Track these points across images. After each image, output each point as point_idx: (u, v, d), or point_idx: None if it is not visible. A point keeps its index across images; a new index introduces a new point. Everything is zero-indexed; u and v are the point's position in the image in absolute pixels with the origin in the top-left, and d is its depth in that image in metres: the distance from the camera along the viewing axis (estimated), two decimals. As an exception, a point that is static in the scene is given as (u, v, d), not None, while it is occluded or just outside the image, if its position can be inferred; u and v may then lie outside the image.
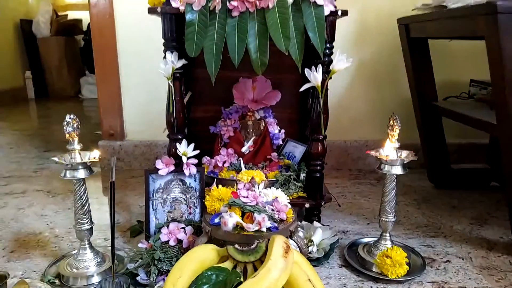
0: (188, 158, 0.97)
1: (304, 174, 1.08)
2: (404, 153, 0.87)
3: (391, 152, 0.85)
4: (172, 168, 0.97)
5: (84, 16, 3.74)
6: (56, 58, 3.57)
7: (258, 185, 0.87)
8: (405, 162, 0.85)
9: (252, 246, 0.70)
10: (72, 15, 3.83)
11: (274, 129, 1.20)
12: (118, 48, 1.55)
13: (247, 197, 0.82)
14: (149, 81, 1.55)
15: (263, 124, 1.18)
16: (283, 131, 1.21)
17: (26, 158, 1.77)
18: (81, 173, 0.79)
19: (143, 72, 1.56)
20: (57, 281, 0.83)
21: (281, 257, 0.65)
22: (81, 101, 3.57)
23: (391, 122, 0.85)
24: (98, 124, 1.62)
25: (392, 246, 0.88)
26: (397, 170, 0.85)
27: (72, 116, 0.79)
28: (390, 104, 1.62)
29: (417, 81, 1.33)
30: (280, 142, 1.21)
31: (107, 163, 1.62)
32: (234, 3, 0.86)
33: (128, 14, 1.52)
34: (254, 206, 0.80)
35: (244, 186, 0.87)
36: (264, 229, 0.77)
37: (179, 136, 1.01)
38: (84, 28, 3.78)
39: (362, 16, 1.53)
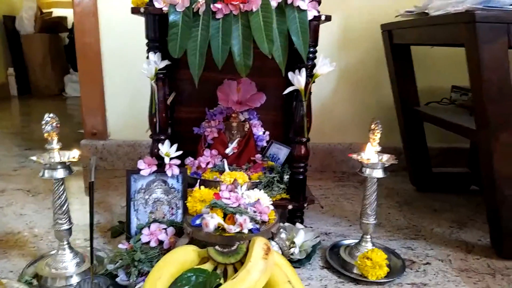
0: (171, 159, 0.97)
1: (288, 176, 1.09)
2: (385, 157, 0.88)
3: (372, 156, 0.86)
4: (154, 168, 0.96)
5: (69, 13, 3.69)
6: (40, 56, 3.51)
7: (241, 187, 0.87)
8: (386, 165, 0.86)
9: (233, 248, 0.70)
10: (57, 12, 3.77)
11: (258, 131, 1.20)
12: (101, 47, 1.53)
13: (229, 198, 0.82)
14: (133, 80, 1.54)
15: (248, 126, 1.18)
16: (267, 133, 1.22)
17: (7, 156, 1.73)
18: (60, 173, 0.78)
19: (127, 71, 1.54)
20: (34, 282, 0.82)
21: (261, 259, 0.66)
22: (65, 99, 3.52)
23: (373, 126, 0.86)
24: (81, 122, 1.60)
25: (372, 248, 0.90)
26: (378, 173, 0.86)
27: (51, 115, 0.78)
28: (373, 108, 1.64)
29: (399, 86, 1.36)
30: (265, 144, 1.21)
31: (89, 163, 1.59)
32: (218, 6, 0.86)
33: (112, 14, 1.50)
34: (236, 207, 0.80)
35: (226, 187, 0.87)
36: (245, 231, 0.77)
37: (162, 137, 1.00)
38: (69, 25, 3.73)
39: (346, 21, 1.54)
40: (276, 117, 1.24)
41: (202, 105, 1.20)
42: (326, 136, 1.64)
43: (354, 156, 0.89)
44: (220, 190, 0.86)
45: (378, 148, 0.87)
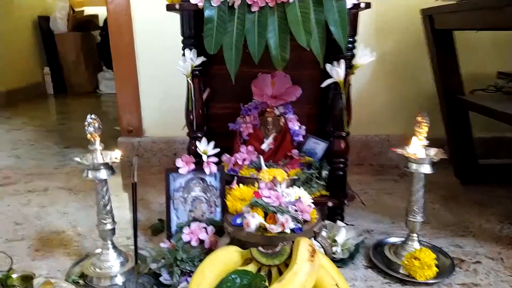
0: (208, 156, 0.95)
1: (326, 172, 1.06)
2: (433, 151, 0.83)
3: (419, 150, 0.81)
4: (192, 167, 0.96)
5: (100, 11, 3.76)
6: (74, 54, 3.60)
7: (280, 185, 0.85)
8: (434, 160, 0.81)
9: (277, 249, 0.68)
10: (88, 10, 3.85)
11: (294, 125, 1.17)
12: (135, 45, 1.54)
13: (269, 197, 0.80)
14: (167, 77, 1.54)
15: (283, 121, 1.15)
16: (303, 127, 1.18)
17: (47, 154, 1.79)
18: (103, 174, 0.79)
19: (161, 68, 1.55)
20: (81, 281, 0.84)
21: (307, 261, 0.64)
22: (99, 96, 3.60)
23: (419, 119, 0.82)
24: (116, 119, 1.62)
25: (420, 248, 0.86)
26: (426, 169, 0.81)
27: (93, 116, 0.78)
28: (412, 97, 1.57)
29: (442, 74, 1.29)
30: (301, 139, 1.18)
31: (126, 159, 1.62)
32: (254, -2, 0.83)
33: (145, 10, 1.51)
34: (277, 206, 0.78)
35: (266, 185, 0.85)
36: (287, 231, 0.75)
37: (199, 134, 0.99)
38: (101, 23, 3.79)
39: (383, 7, 1.47)
40: (312, 110, 1.21)
41: (236, 101, 1.19)
42: (362, 127, 1.59)
43: (399, 150, 0.85)
44: (259, 188, 0.84)
45: (425, 142, 0.83)
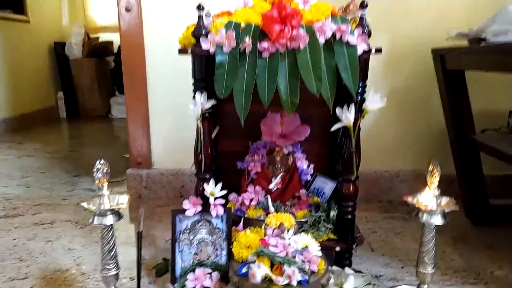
0: (215, 198, 0.95)
1: (334, 213, 1.04)
2: (444, 201, 0.82)
3: (430, 201, 0.80)
4: (199, 208, 0.95)
5: (115, 38, 3.85)
6: (88, 79, 3.68)
7: (288, 231, 0.84)
8: (445, 211, 0.80)
9: (283, 305, 0.66)
10: (103, 37, 3.95)
11: (302, 164, 1.17)
12: (147, 76, 1.56)
13: (276, 246, 0.79)
14: (177, 108, 1.55)
15: (291, 159, 1.15)
16: (311, 166, 1.18)
17: (56, 184, 1.80)
18: (109, 219, 0.78)
19: (171, 99, 1.56)
20: (82, 326, 0.82)
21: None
22: (111, 120, 3.65)
23: (430, 168, 0.80)
24: (126, 144, 1.63)
25: (431, 300, 0.83)
26: (437, 220, 0.80)
27: (102, 161, 0.78)
28: (422, 133, 1.56)
29: (453, 113, 1.28)
30: (309, 178, 1.17)
31: (134, 191, 1.62)
32: (265, 45, 0.84)
33: (158, 40, 1.53)
34: (283, 257, 0.76)
35: (273, 232, 0.83)
36: (294, 283, 0.74)
37: (207, 176, 0.99)
38: (115, 50, 3.88)
39: (394, 42, 1.48)
40: (321, 149, 1.20)
41: (245, 139, 1.19)
42: (371, 162, 1.57)
43: (410, 199, 0.83)
44: (266, 235, 0.83)
45: (437, 192, 0.81)
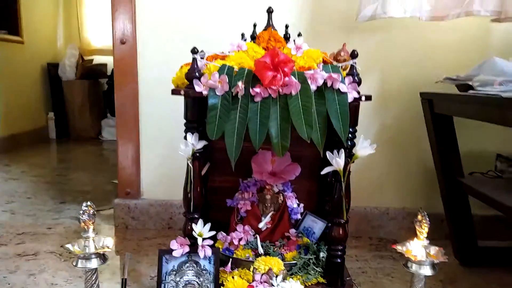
0: (203, 239, 0.94)
1: (324, 255, 1.04)
2: (433, 250, 0.82)
3: (419, 251, 0.80)
4: (187, 249, 0.94)
5: (109, 60, 3.86)
6: (79, 100, 3.67)
7: (276, 277, 0.83)
8: (435, 262, 0.80)
9: None
10: (97, 59, 3.96)
11: (292, 203, 1.17)
12: (140, 106, 1.56)
13: (264, 293, 0.78)
14: (168, 140, 1.55)
15: (282, 198, 1.15)
16: (302, 205, 1.18)
17: (42, 211, 1.76)
18: (94, 263, 0.77)
19: (162, 130, 1.56)
20: None
21: None
22: (101, 142, 3.63)
23: (419, 218, 0.81)
24: (115, 167, 1.62)
25: None
26: (426, 270, 0.80)
27: (88, 203, 0.77)
28: (412, 171, 1.58)
29: (441, 155, 1.30)
30: (299, 217, 1.17)
31: (121, 222, 1.60)
32: (257, 90, 0.86)
33: (152, 72, 1.53)
34: (271, 306, 0.75)
35: (261, 277, 0.83)
36: (281, 334, 0.72)
37: (195, 216, 0.98)
38: (109, 72, 3.89)
39: (384, 85, 1.51)
40: (311, 187, 1.20)
41: (236, 175, 1.18)
42: (361, 198, 1.57)
43: (399, 248, 0.83)
44: (254, 280, 0.82)
45: (426, 242, 0.81)
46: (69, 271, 1.22)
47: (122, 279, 0.68)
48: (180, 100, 0.96)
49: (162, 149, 1.58)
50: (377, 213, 1.59)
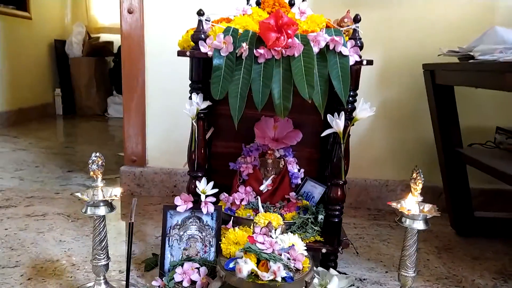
0: (206, 196, 0.98)
1: (322, 216, 1.07)
2: (427, 207, 0.85)
3: (413, 206, 0.83)
4: (190, 205, 0.98)
5: (115, 38, 3.88)
6: (86, 78, 3.70)
7: (275, 230, 0.87)
8: (427, 217, 0.83)
9: (266, 299, 0.69)
10: (104, 37, 3.98)
11: (293, 168, 1.20)
12: (146, 77, 1.59)
13: (263, 243, 0.82)
14: (174, 110, 1.58)
15: (283, 163, 1.18)
16: (302, 170, 1.21)
17: (50, 178, 1.82)
18: (102, 210, 0.81)
19: (168, 100, 1.59)
20: (70, 315, 0.84)
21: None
22: (107, 119, 3.67)
23: (414, 175, 0.84)
24: (121, 143, 1.66)
25: (410, 303, 0.86)
26: (419, 225, 0.83)
27: (97, 154, 0.81)
28: (412, 145, 1.60)
29: (441, 126, 1.32)
30: (299, 181, 1.20)
31: (127, 188, 1.64)
32: (261, 51, 0.88)
33: (158, 43, 1.56)
34: (270, 254, 0.79)
35: (260, 230, 0.86)
36: (279, 279, 0.76)
37: (199, 174, 1.02)
38: (115, 50, 3.91)
39: (387, 58, 1.53)
40: (312, 154, 1.23)
41: (238, 141, 1.22)
42: (362, 171, 1.61)
43: (394, 204, 0.87)
44: (254, 233, 0.86)
45: (420, 198, 0.84)
46: (77, 230, 1.27)
47: (129, 222, 0.71)
48: (185, 71, 0.99)
49: (167, 120, 1.61)
50: (376, 185, 1.62)
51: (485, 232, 1.38)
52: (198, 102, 0.94)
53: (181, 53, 0.95)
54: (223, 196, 1.14)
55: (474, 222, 1.38)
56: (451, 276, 1.11)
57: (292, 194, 1.16)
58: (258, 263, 0.80)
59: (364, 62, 0.94)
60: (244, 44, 0.88)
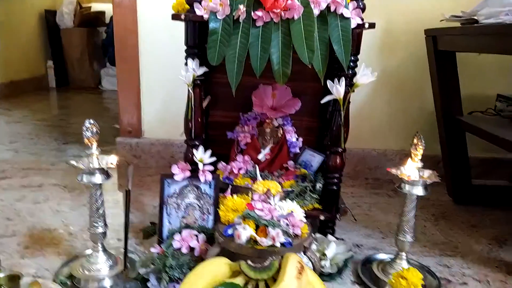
0: (204, 164, 0.96)
1: (321, 185, 1.07)
2: (427, 173, 0.84)
3: (413, 172, 0.82)
4: (187, 174, 0.97)
5: (107, 8, 3.77)
6: (78, 49, 3.62)
7: (274, 197, 0.86)
8: (427, 183, 0.82)
9: (266, 264, 0.69)
10: (95, 7, 3.86)
11: (292, 137, 1.18)
12: (139, 46, 1.55)
13: (262, 210, 0.81)
14: (169, 79, 1.55)
15: (281, 132, 1.16)
16: (300, 139, 1.20)
17: (45, 150, 1.80)
18: (97, 178, 0.79)
19: (163, 70, 1.56)
20: (68, 282, 0.84)
21: (294, 278, 0.64)
22: (101, 92, 3.61)
23: (415, 141, 0.83)
24: (116, 116, 1.63)
25: (408, 267, 0.86)
26: (418, 190, 0.82)
27: (91, 121, 0.79)
28: (412, 114, 1.59)
29: (442, 94, 1.30)
30: (298, 151, 1.19)
31: (124, 160, 1.63)
32: (259, 13, 0.84)
33: (151, 13, 1.52)
34: (269, 220, 0.79)
35: (259, 197, 0.86)
36: (278, 244, 0.76)
37: (196, 143, 1.00)
38: (107, 20, 3.81)
39: (389, 24, 1.49)
40: (311, 123, 1.22)
41: (236, 110, 1.20)
42: (360, 140, 1.60)
43: (393, 170, 0.86)
44: (252, 200, 0.85)
45: (420, 164, 0.84)
46: (74, 201, 1.27)
47: (126, 190, 0.70)
48: (181, 37, 0.95)
49: (164, 89, 1.58)
50: (375, 154, 1.61)
51: (483, 200, 1.39)
52: (194, 68, 0.92)
53: (175, 17, 0.92)
54: (221, 165, 1.13)
55: (471, 190, 1.38)
56: (447, 242, 1.12)
57: (291, 163, 1.15)
58: (256, 229, 0.80)
59: (366, 25, 0.90)
60: (241, 6, 0.85)
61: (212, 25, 0.86)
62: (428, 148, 1.53)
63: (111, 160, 0.80)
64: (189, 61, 0.93)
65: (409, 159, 0.83)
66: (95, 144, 0.79)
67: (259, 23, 0.86)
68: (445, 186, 1.44)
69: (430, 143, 1.52)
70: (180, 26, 0.96)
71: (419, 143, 0.81)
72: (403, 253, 0.90)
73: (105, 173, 0.81)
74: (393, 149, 1.61)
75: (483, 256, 1.05)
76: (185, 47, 0.96)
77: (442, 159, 1.43)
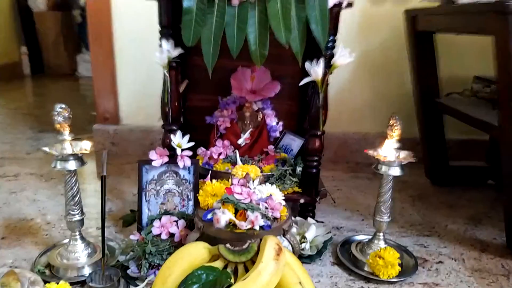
0: (182, 150, 0.95)
1: (300, 168, 1.07)
2: (403, 154, 0.85)
3: (390, 153, 0.83)
4: (166, 159, 0.95)
5: (82, -10, 3.65)
6: (53, 34, 3.50)
7: (253, 181, 0.86)
8: (403, 163, 0.83)
9: (244, 246, 0.69)
10: (69, -11, 3.73)
11: (271, 121, 1.18)
12: (113, 30, 1.50)
13: (241, 193, 0.81)
14: (145, 64, 1.51)
15: (261, 116, 1.15)
16: (281, 123, 1.19)
17: (21, 139, 1.74)
18: (71, 165, 0.77)
19: (139, 55, 1.52)
20: (47, 271, 0.83)
21: (272, 260, 0.64)
22: (78, 79, 3.52)
23: (391, 122, 0.83)
24: (94, 103, 1.59)
25: (385, 247, 0.88)
26: (395, 171, 0.83)
27: (62, 105, 0.76)
28: (392, 97, 1.59)
29: (419, 75, 1.31)
30: (278, 135, 1.19)
31: (101, 148, 1.60)
32: (235, -8, 0.82)
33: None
34: (247, 203, 0.78)
35: (238, 181, 0.85)
36: (257, 228, 0.76)
37: (174, 127, 0.98)
38: (82, 3, 3.68)
39: (368, 5, 1.48)
40: (291, 107, 1.21)
41: (215, 93, 1.18)
42: (341, 124, 1.60)
43: (370, 152, 0.86)
44: (231, 184, 0.85)
45: (396, 145, 0.84)
46: (51, 190, 1.24)
47: (102, 176, 0.69)
48: (156, 20, 0.93)
49: (141, 73, 1.54)
50: (355, 138, 1.62)
51: (460, 181, 1.42)
52: (169, 50, 0.89)
53: (148, -4, 0.89)
54: (200, 150, 1.11)
55: (449, 171, 1.41)
56: (424, 223, 1.14)
57: (271, 147, 1.14)
58: (236, 213, 0.79)
59: (344, 4, 0.89)
60: (216, -15, 0.83)
61: (186, 3, 0.83)
62: (408, 131, 1.56)
63: (85, 146, 0.78)
64: (164, 42, 0.90)
65: (386, 140, 0.84)
66: (67, 130, 0.77)
67: (235, 2, 0.84)
68: (423, 168, 1.46)
69: (411, 126, 1.54)
70: (154, 7, 0.93)
71: (395, 124, 0.82)
72: (381, 234, 0.91)
73: (79, 159, 0.79)
74: (373, 132, 1.62)
75: (459, 235, 1.08)
76: (158, 25, 0.93)
77: (420, 141, 1.45)
